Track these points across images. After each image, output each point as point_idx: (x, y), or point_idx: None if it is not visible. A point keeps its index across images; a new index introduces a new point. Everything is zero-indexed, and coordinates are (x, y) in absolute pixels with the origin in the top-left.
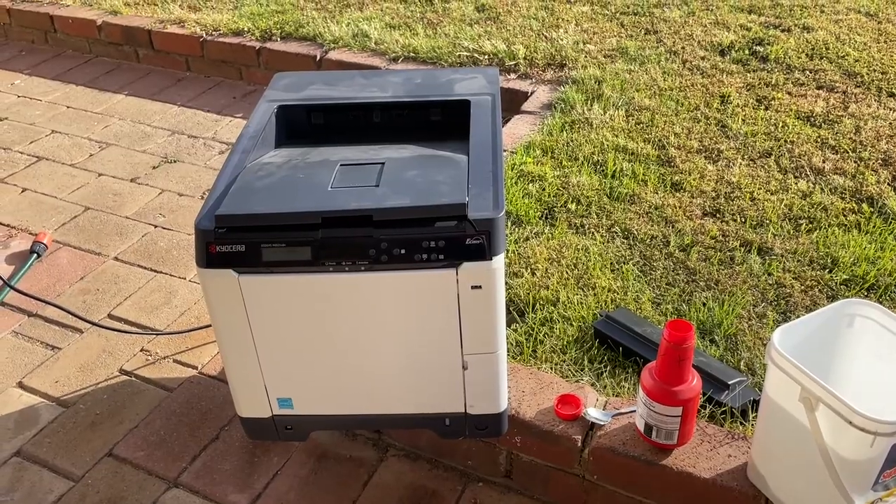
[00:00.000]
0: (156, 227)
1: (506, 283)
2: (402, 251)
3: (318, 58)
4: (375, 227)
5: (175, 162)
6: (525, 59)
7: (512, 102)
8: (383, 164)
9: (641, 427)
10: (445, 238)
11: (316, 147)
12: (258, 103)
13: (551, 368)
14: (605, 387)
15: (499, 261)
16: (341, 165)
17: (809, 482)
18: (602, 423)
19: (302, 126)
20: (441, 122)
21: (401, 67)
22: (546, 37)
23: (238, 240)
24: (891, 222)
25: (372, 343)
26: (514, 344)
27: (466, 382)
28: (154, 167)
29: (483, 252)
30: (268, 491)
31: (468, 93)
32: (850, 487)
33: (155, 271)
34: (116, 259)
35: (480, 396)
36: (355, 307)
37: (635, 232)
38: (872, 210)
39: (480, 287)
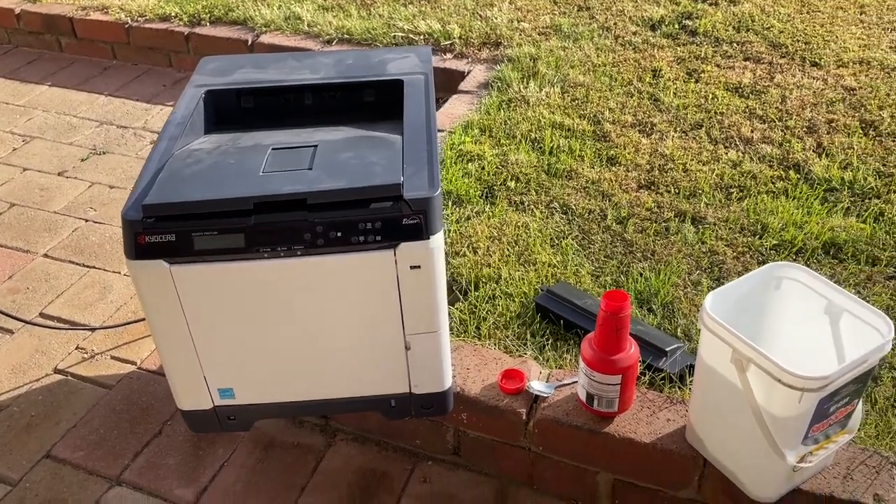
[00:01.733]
0: (87, 221)
1: (448, 262)
2: (338, 234)
3: (249, 42)
4: (309, 210)
5: (104, 153)
6: (460, 38)
7: (449, 82)
8: (316, 146)
9: (583, 397)
10: (381, 219)
11: (247, 132)
12: (185, 89)
13: (495, 345)
14: (548, 360)
15: (437, 240)
16: (273, 149)
17: (744, 440)
18: (545, 396)
19: (232, 111)
20: (374, 103)
21: (335, 49)
22: (480, 15)
23: (168, 229)
24: (816, 188)
25: (312, 328)
26: (458, 322)
27: (410, 363)
28: (82, 160)
29: (420, 231)
30: (214, 483)
31: (401, 72)
32: (782, 443)
33: (88, 267)
34: (46, 256)
35: (424, 376)
36: (293, 293)
37: (573, 207)
38: (799, 176)
39: (419, 267)
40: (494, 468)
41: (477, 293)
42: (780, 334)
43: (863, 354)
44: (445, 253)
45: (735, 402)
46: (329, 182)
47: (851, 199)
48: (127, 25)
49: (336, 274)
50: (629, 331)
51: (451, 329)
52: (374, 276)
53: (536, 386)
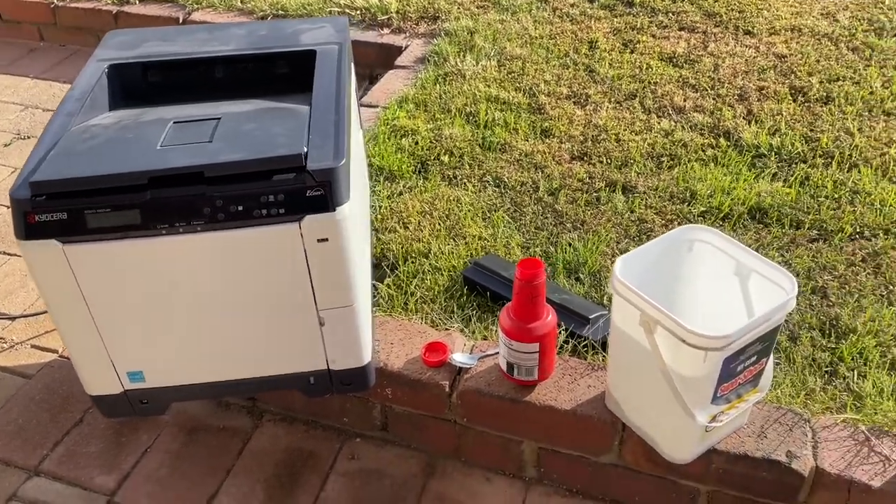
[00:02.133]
0: (9, 208)
1: (378, 238)
2: (240, 208)
3: (180, 20)
4: (208, 184)
5: (29, 138)
6: (398, 12)
7: (386, 58)
8: (219, 119)
9: (504, 366)
10: (284, 191)
11: (154, 107)
12: (87, 63)
13: (422, 319)
14: (474, 331)
15: (343, 212)
16: (174, 123)
17: (656, 403)
18: (468, 367)
19: (138, 86)
20: (287, 75)
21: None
22: None
23: (58, 207)
24: (745, 154)
25: (219, 306)
26: (387, 297)
27: (325, 339)
28: (6, 145)
29: (325, 203)
30: (137, 469)
31: (314, 43)
32: (692, 403)
33: (9, 255)
34: None
35: (342, 351)
36: (196, 270)
37: (506, 180)
38: (728, 143)
39: (327, 240)
40: (422, 442)
41: (405, 268)
42: (695, 296)
43: (765, 313)
44: (376, 229)
45: (646, 365)
46: (228, 154)
47: (779, 164)
48: (53, 5)
49: (240, 249)
50: (545, 298)
51: (378, 304)
52: (280, 250)
53: (458, 358)
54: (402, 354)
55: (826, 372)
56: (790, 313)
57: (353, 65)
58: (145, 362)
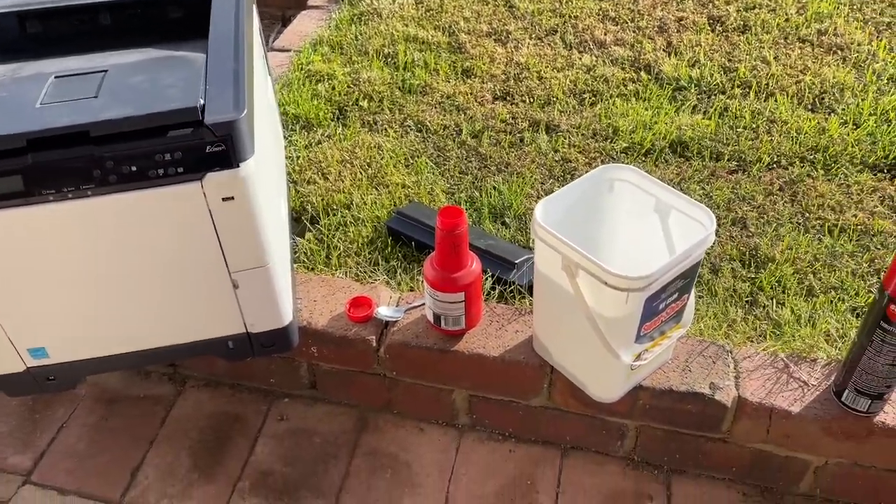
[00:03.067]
0: None
1: (297, 191)
2: (133, 169)
3: None
4: (96, 144)
5: None
6: None
7: None
8: (106, 72)
9: (431, 318)
10: (181, 148)
11: (33, 61)
12: None
13: (345, 273)
14: (400, 283)
15: (248, 167)
16: (55, 78)
17: (581, 345)
18: (394, 320)
19: (14, 38)
20: (181, 20)
21: None
22: None
23: None
24: (665, 87)
25: (122, 275)
26: (308, 253)
27: (241, 301)
28: None
29: (228, 159)
30: (53, 446)
31: None
32: (616, 344)
33: None
34: None
35: (260, 313)
36: (92, 238)
37: (428, 124)
38: (649, 77)
39: (232, 198)
40: (352, 398)
41: (327, 221)
42: (616, 236)
43: (685, 250)
44: (294, 181)
45: (570, 309)
46: (116, 110)
47: (698, 96)
48: None
49: (138, 213)
50: (469, 246)
51: (299, 260)
52: (182, 212)
53: (384, 311)
54: (326, 311)
55: (747, 302)
56: (711, 246)
57: (255, 5)
58: (47, 337)
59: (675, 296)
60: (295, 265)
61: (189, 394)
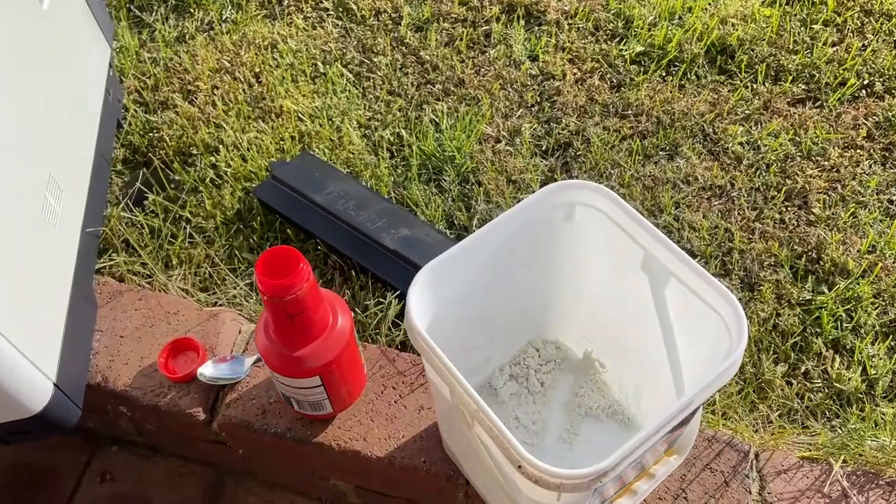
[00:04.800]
0: None
1: (146, 121)
2: None
3: None
4: None
5: None
6: None
7: None
8: None
9: (283, 397)
10: None
11: None
12: None
13: (189, 276)
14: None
15: None
16: None
17: (501, 499)
18: (228, 383)
19: None
20: None
21: None
22: None
23: None
24: None
25: None
26: (148, 235)
27: None
28: None
29: None
30: None
31: None
32: None
33: None
34: None
35: None
36: None
37: (354, 6)
38: None
39: None
40: (200, 455)
41: (181, 178)
42: (581, 291)
43: (674, 410)
44: (142, 103)
45: (478, 452)
46: None
47: None
48: None
49: None
50: (323, 300)
51: (121, 252)
52: None
53: (210, 372)
54: (134, 358)
55: (794, 347)
56: (742, 250)
57: None
58: None
59: (662, 440)
60: (96, 269)
61: None
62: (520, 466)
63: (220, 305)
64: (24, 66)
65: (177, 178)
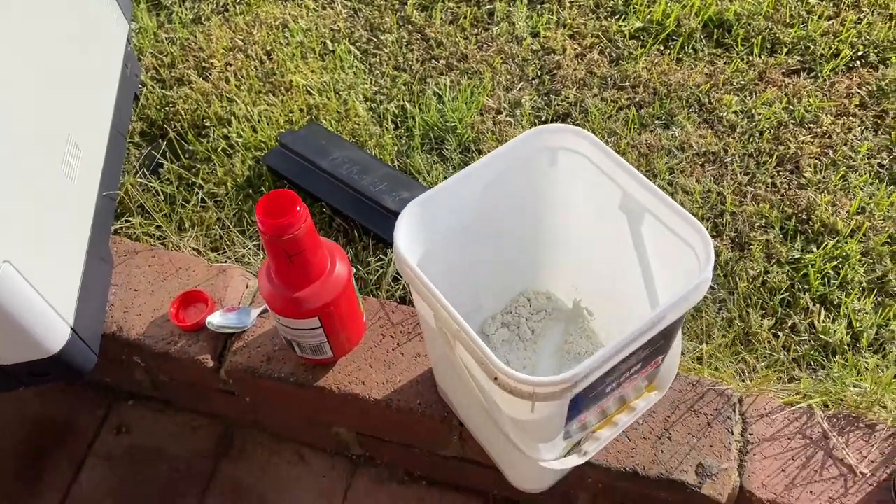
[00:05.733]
0: None
1: (165, 96)
2: None
3: None
4: None
5: None
6: None
7: None
8: None
9: (285, 341)
10: None
11: None
12: None
13: (200, 237)
14: None
15: None
16: None
17: (488, 429)
18: (236, 331)
19: None
20: None
21: None
22: None
23: None
24: None
25: None
26: (164, 201)
27: None
28: None
29: None
30: None
31: None
32: (529, 446)
33: None
34: None
35: (4, 343)
36: None
37: None
38: None
39: None
40: (210, 408)
41: (195, 147)
42: (569, 233)
43: (646, 323)
44: (159, 80)
45: (465, 379)
46: None
47: None
48: None
49: None
50: (321, 245)
51: (137, 215)
52: None
53: (217, 321)
54: (147, 310)
55: (781, 303)
56: (739, 205)
57: None
58: None
59: (638, 366)
60: (113, 231)
61: (17, 392)
62: (496, 378)
63: (230, 263)
64: (46, 32)
65: (191, 148)
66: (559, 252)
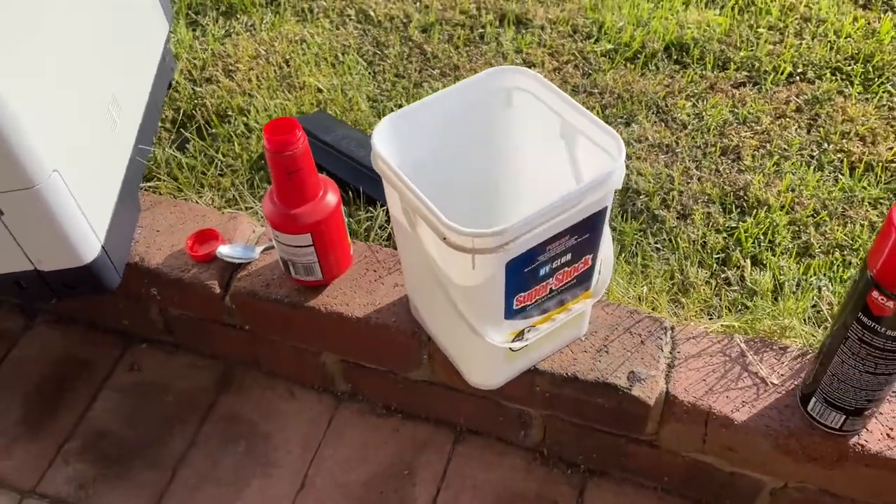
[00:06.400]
0: None
1: (193, 90)
2: None
3: None
4: None
5: None
6: None
7: None
8: None
9: (281, 263)
10: None
11: None
12: None
13: (216, 197)
14: None
15: None
16: None
17: (444, 314)
18: (242, 262)
19: None
20: None
21: None
22: None
23: None
24: None
25: None
26: (188, 170)
27: (13, 231)
28: None
29: None
30: None
31: None
32: (479, 320)
33: None
34: None
35: (44, 248)
36: None
37: (372, 13)
38: None
39: None
40: (214, 349)
41: (219, 130)
42: (524, 172)
43: (567, 194)
44: (191, 79)
45: (424, 267)
46: None
47: None
48: None
49: None
50: (316, 171)
51: (167, 178)
52: None
53: (226, 251)
54: (166, 246)
55: (716, 260)
56: (686, 182)
57: None
58: None
59: (569, 257)
60: (143, 185)
61: (38, 330)
62: (445, 238)
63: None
64: (102, 13)
65: (214, 131)
66: (520, 193)
